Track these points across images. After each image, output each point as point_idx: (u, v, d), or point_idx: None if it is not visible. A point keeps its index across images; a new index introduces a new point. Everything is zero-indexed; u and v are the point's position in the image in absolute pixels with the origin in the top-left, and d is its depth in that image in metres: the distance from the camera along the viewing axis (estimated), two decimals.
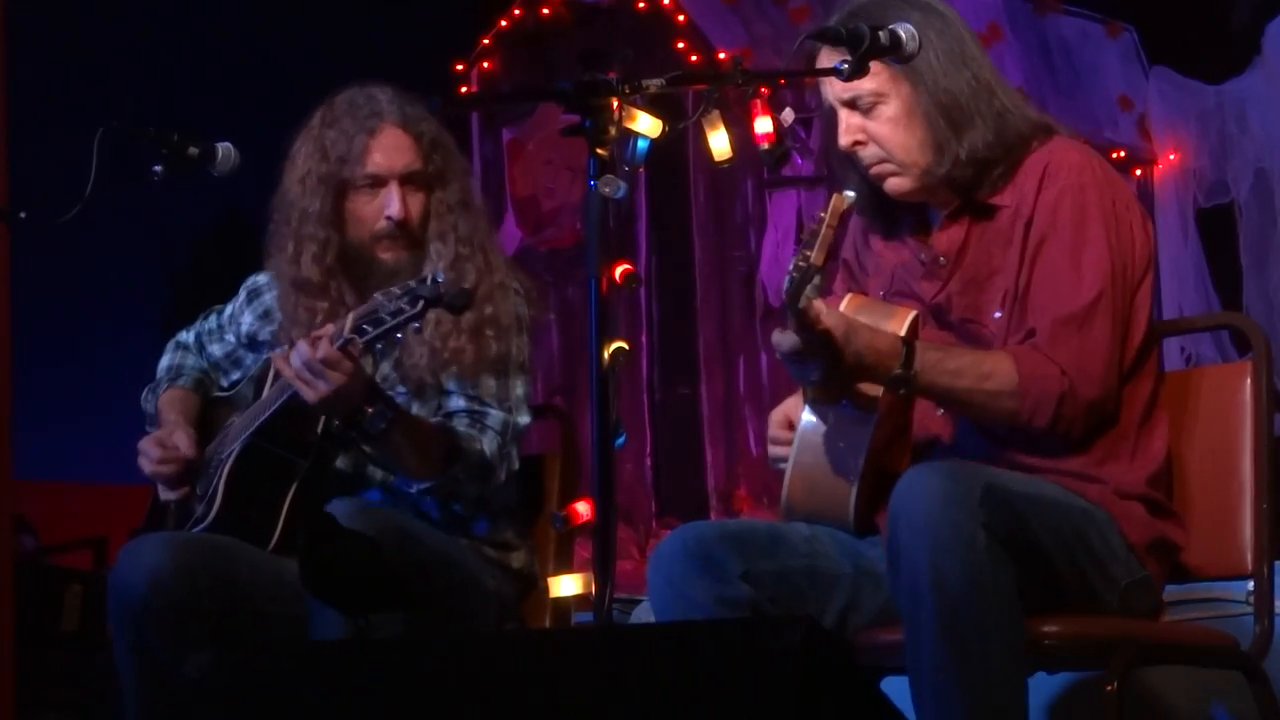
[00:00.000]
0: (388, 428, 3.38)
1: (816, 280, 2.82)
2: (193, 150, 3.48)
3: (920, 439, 3.18)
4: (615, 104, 2.73)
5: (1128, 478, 3.07)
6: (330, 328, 3.36)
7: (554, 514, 3.68)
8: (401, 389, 3.58)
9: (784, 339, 2.92)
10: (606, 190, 2.68)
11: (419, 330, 3.30)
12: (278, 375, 3.54)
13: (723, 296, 7.69)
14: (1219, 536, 3.17)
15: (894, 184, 3.16)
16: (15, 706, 4.89)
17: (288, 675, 2.64)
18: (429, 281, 3.25)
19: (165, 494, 3.67)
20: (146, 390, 3.84)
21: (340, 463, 3.60)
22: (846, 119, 3.15)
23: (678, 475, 7.76)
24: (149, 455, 3.65)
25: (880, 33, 2.85)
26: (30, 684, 5.42)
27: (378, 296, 3.29)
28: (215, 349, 3.85)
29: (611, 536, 2.68)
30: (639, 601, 4.51)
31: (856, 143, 3.15)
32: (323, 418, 3.50)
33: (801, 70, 3.14)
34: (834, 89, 3.16)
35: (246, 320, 3.80)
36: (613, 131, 2.73)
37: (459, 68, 8.19)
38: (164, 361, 3.87)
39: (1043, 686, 3.48)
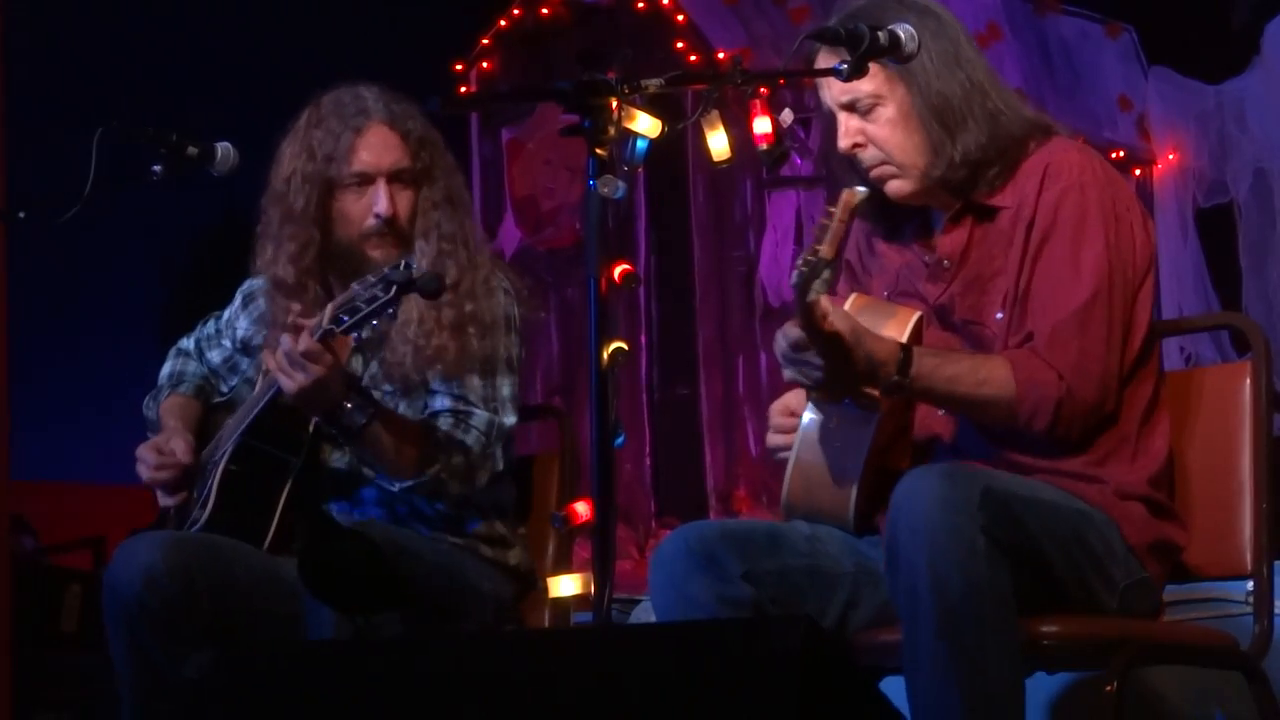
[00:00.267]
0: (367, 423, 3.39)
1: (826, 274, 2.82)
2: (192, 150, 3.48)
3: (921, 438, 3.19)
4: (614, 104, 2.73)
5: (1129, 478, 3.07)
6: (311, 320, 3.37)
7: (553, 514, 3.68)
8: (388, 387, 3.58)
9: (786, 334, 2.92)
10: (605, 190, 2.68)
11: (394, 316, 3.31)
12: (265, 372, 3.55)
13: (722, 296, 7.69)
14: (1218, 536, 3.17)
15: (895, 186, 3.17)
16: (14, 706, 4.89)
17: (286, 675, 2.64)
18: (401, 267, 3.26)
19: (164, 500, 3.68)
20: (148, 397, 3.85)
21: (335, 461, 3.59)
22: (845, 122, 3.16)
23: (677, 475, 7.75)
24: (146, 462, 3.65)
25: (879, 33, 2.85)
26: (29, 684, 5.42)
27: (354, 286, 3.30)
28: (214, 355, 3.85)
29: (611, 536, 2.68)
30: (638, 601, 4.51)
31: (856, 145, 3.15)
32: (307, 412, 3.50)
33: (801, 71, 3.15)
34: (832, 92, 3.17)
35: (242, 325, 3.80)
36: (612, 131, 2.73)
37: (458, 68, 8.19)
38: (165, 368, 3.87)
39: (1042, 686, 3.48)
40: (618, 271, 2.70)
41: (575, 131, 2.75)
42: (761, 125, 3.70)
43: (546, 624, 3.67)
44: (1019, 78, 7.66)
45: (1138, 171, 8.09)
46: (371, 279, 3.27)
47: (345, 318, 3.28)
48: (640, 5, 7.72)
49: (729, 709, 2.23)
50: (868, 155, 3.16)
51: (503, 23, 8.18)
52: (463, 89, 8.11)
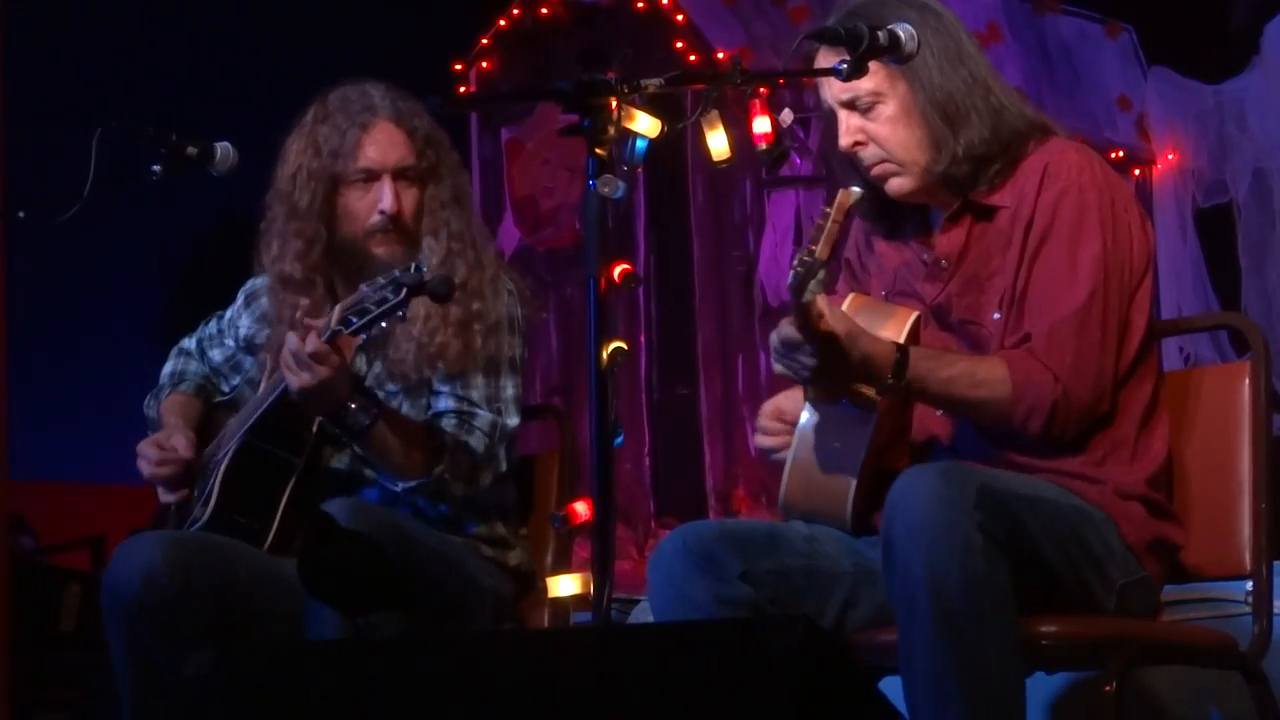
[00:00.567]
0: (371, 424, 3.39)
1: (821, 274, 2.82)
2: (191, 150, 3.48)
3: (919, 439, 3.19)
4: (614, 104, 2.73)
5: (1128, 478, 3.07)
6: (319, 320, 3.36)
7: (553, 514, 3.68)
8: (392, 386, 3.58)
9: (786, 331, 2.92)
10: (605, 190, 2.68)
11: (403, 319, 3.30)
12: (270, 371, 3.54)
13: (721, 296, 7.69)
14: (1217, 536, 3.17)
15: (895, 184, 3.17)
16: (13, 706, 4.89)
17: (286, 675, 2.64)
18: (412, 269, 3.25)
19: (165, 497, 3.67)
20: (149, 396, 3.85)
21: (337, 462, 3.59)
22: (846, 120, 3.16)
23: (676, 475, 7.75)
24: (147, 458, 3.65)
25: (879, 33, 2.85)
26: (28, 684, 5.42)
27: (363, 288, 3.29)
28: (216, 354, 3.85)
29: (610, 536, 2.68)
30: (638, 601, 4.51)
31: (857, 143, 3.15)
32: (318, 417, 3.50)
33: (800, 71, 3.15)
34: (832, 90, 3.17)
35: (244, 324, 3.80)
36: (611, 131, 2.73)
37: (458, 67, 8.19)
38: (167, 368, 3.87)
39: (1042, 686, 3.48)
40: (617, 271, 2.70)
41: (575, 131, 2.75)
42: (761, 125, 3.69)
43: (546, 624, 3.67)
44: (1019, 78, 7.66)
45: (1137, 171, 8.09)
46: (381, 280, 3.27)
47: (354, 319, 3.27)
48: (639, 5, 7.72)
49: (728, 709, 2.23)
50: (868, 153, 3.16)
51: (502, 23, 8.18)
52: (462, 89, 8.11)
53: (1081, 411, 3.02)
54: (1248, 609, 3.16)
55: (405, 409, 3.55)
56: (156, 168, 3.48)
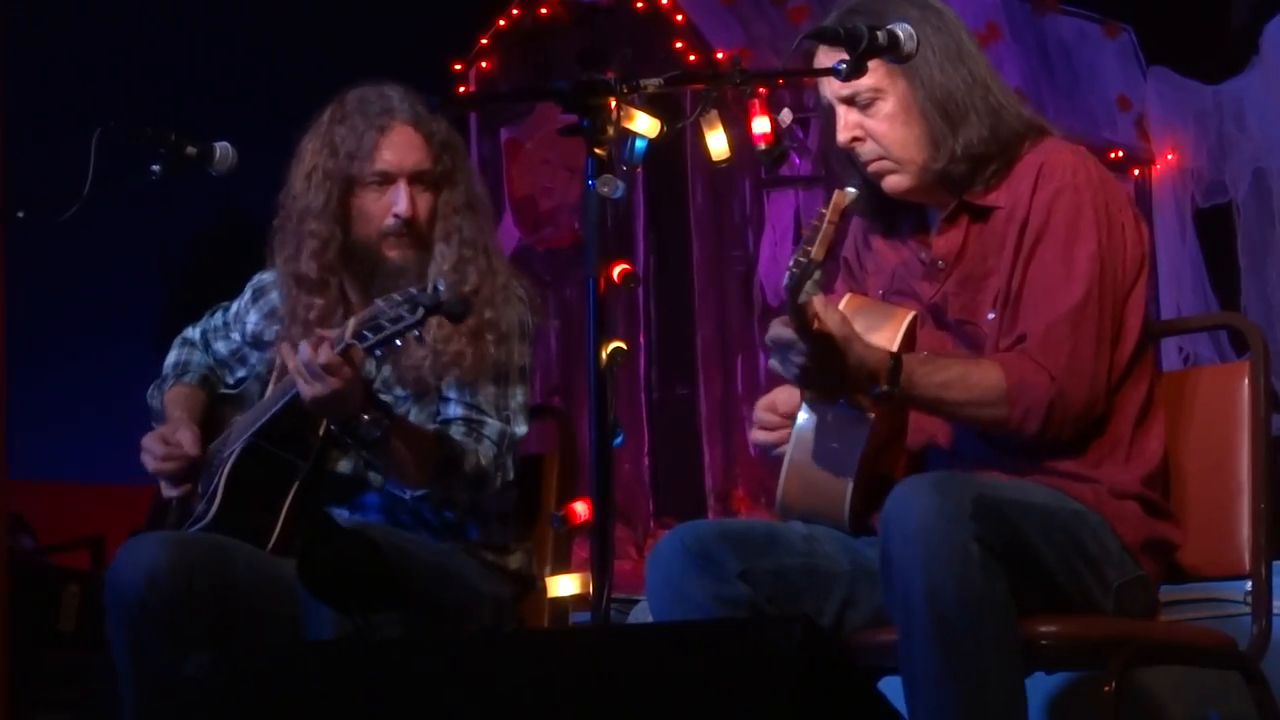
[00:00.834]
0: (383, 435, 3.38)
1: (817, 275, 2.82)
2: (190, 150, 3.48)
3: (917, 440, 3.19)
4: (613, 104, 2.73)
5: (1123, 478, 3.07)
6: (333, 332, 3.35)
7: (552, 514, 3.68)
8: (401, 392, 3.58)
9: (779, 331, 2.92)
10: (604, 190, 2.68)
11: (420, 338, 3.30)
12: (281, 375, 3.54)
13: (721, 296, 7.69)
14: (1217, 536, 3.17)
15: (892, 181, 3.17)
16: (13, 706, 4.89)
17: (286, 675, 2.64)
18: (430, 289, 3.24)
19: (168, 491, 3.67)
20: (152, 386, 3.84)
21: (341, 466, 3.59)
22: (844, 115, 3.16)
23: (676, 475, 7.75)
24: (152, 452, 3.65)
25: (878, 32, 2.85)
26: (28, 684, 5.42)
27: (379, 303, 3.28)
28: (220, 346, 3.84)
29: (609, 536, 2.68)
30: (637, 601, 4.51)
31: (855, 139, 3.15)
32: (325, 420, 3.49)
33: (800, 70, 3.15)
34: (832, 86, 3.17)
35: (252, 319, 3.80)
36: (611, 131, 2.72)
37: (457, 67, 8.19)
38: (170, 357, 3.87)
39: (1041, 686, 3.48)
40: (617, 271, 2.70)
41: (574, 131, 2.75)
42: (760, 125, 3.69)
43: (545, 624, 3.67)
44: (1018, 78, 7.66)
45: (1136, 171, 8.09)
46: (397, 298, 3.25)
47: (368, 334, 3.26)
48: (639, 5, 7.72)
49: (727, 709, 2.23)
50: (866, 149, 3.16)
51: (502, 23, 8.18)
52: (462, 89, 8.11)
53: (1077, 412, 3.02)
54: (1247, 609, 3.16)
55: (413, 414, 3.55)
56: (156, 168, 3.48)
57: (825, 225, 2.85)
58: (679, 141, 7.19)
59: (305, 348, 3.33)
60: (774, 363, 2.99)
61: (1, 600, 4.83)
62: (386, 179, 3.57)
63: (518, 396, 3.59)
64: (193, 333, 3.89)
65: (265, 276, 3.80)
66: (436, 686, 2.47)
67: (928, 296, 3.18)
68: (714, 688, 2.25)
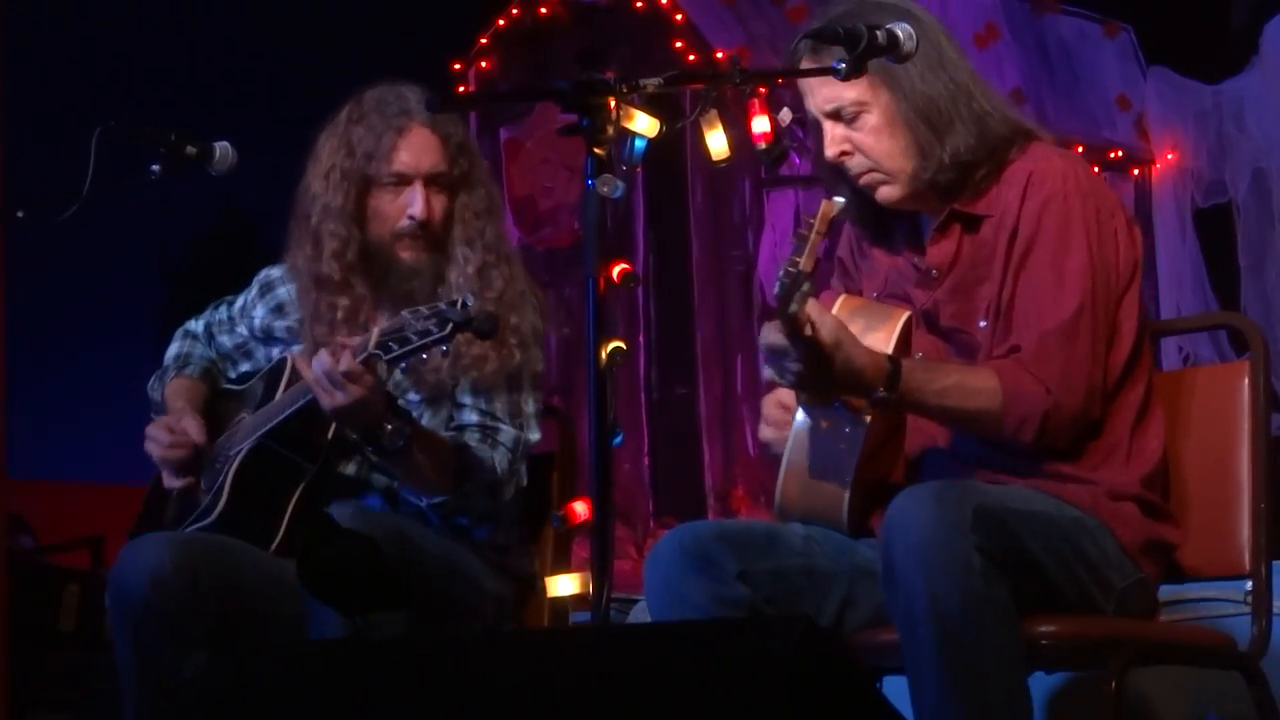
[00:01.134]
0: (405, 444, 3.37)
1: (806, 287, 2.82)
2: (190, 149, 3.47)
3: (915, 442, 3.18)
4: (613, 103, 2.73)
5: (1121, 479, 3.07)
6: (355, 340, 3.34)
7: (552, 514, 3.68)
8: (415, 396, 3.57)
9: (773, 337, 2.92)
10: (604, 190, 2.68)
11: (446, 354, 3.29)
12: (294, 378, 3.53)
13: (720, 296, 7.69)
14: (1217, 536, 3.17)
15: (884, 193, 3.16)
16: (12, 706, 4.89)
17: (287, 675, 2.64)
18: (459, 305, 3.22)
19: (170, 480, 3.66)
20: (153, 378, 3.84)
21: (345, 468, 3.59)
22: (831, 131, 3.15)
23: (675, 475, 7.75)
24: (157, 440, 3.64)
25: (878, 32, 2.85)
26: (28, 684, 5.42)
27: (405, 314, 3.26)
28: (225, 340, 3.84)
29: (609, 536, 2.68)
30: (636, 601, 4.51)
31: (843, 153, 3.15)
32: (334, 424, 3.48)
33: (799, 70, 3.14)
34: (816, 101, 3.16)
35: (259, 314, 3.79)
36: (610, 131, 2.72)
37: (457, 67, 8.19)
38: (172, 349, 3.86)
39: (1041, 686, 3.48)
40: (616, 271, 2.69)
41: (574, 131, 2.75)
42: (760, 124, 3.69)
43: (545, 624, 3.67)
44: (1018, 78, 7.67)
45: (1136, 171, 8.10)
46: (425, 311, 3.23)
47: (393, 346, 3.24)
48: (639, 5, 7.73)
49: (726, 709, 2.23)
50: (855, 163, 3.15)
51: (501, 22, 8.18)
52: (461, 88, 8.11)
53: (1072, 420, 3.02)
54: (1247, 609, 3.16)
55: (426, 419, 3.53)
56: (156, 167, 3.47)
57: (813, 235, 2.85)
58: (679, 141, 7.19)
59: (325, 357, 3.31)
60: (768, 371, 2.99)
61: (1, 600, 4.83)
62: (402, 180, 3.57)
63: (530, 403, 3.58)
64: (195, 325, 3.88)
65: (273, 271, 3.79)
66: (437, 686, 2.47)
67: (920, 303, 3.17)
68: (713, 688, 2.25)
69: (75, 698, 5.92)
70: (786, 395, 3.17)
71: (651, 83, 2.78)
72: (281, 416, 3.49)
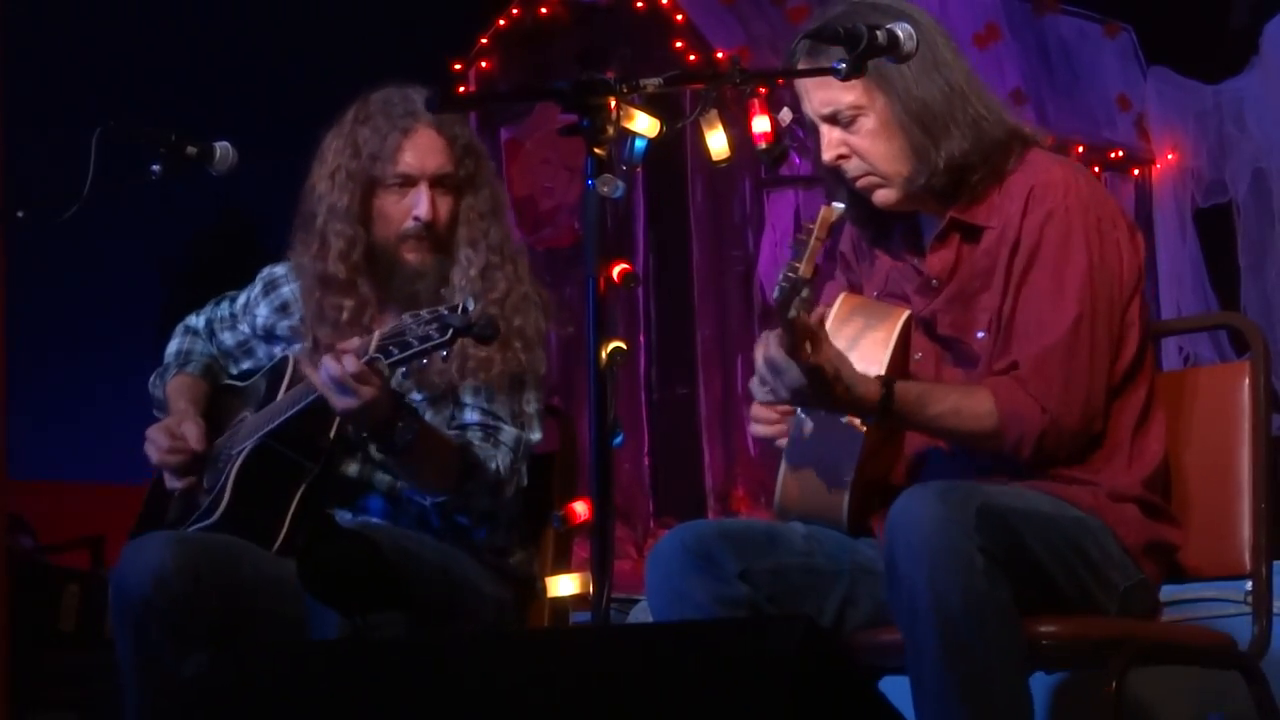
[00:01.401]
0: (413, 441, 3.37)
1: (805, 292, 2.82)
2: (190, 149, 3.47)
3: (916, 442, 3.18)
4: (613, 103, 2.73)
5: (1123, 480, 3.07)
6: (355, 342, 3.33)
7: (552, 514, 3.68)
8: (417, 395, 3.57)
9: (772, 353, 2.91)
10: (604, 190, 2.68)
11: (446, 359, 3.29)
12: (296, 377, 3.53)
13: (721, 296, 7.69)
14: (1217, 536, 3.17)
15: (881, 196, 3.16)
16: (12, 706, 4.89)
17: (287, 675, 2.64)
18: (460, 310, 3.22)
19: (171, 483, 3.66)
20: (155, 374, 3.84)
21: (346, 468, 3.59)
22: (828, 135, 3.15)
23: (675, 475, 7.75)
24: (157, 444, 3.64)
25: (877, 32, 2.84)
26: (28, 684, 5.42)
27: (405, 319, 3.26)
28: (226, 337, 3.84)
29: (609, 536, 2.68)
30: (637, 601, 4.51)
31: (840, 157, 3.14)
32: (336, 423, 3.49)
33: (799, 70, 3.14)
34: (813, 105, 3.16)
35: (262, 312, 3.79)
36: (610, 131, 2.72)
37: (457, 67, 8.19)
38: (172, 345, 3.86)
39: (1041, 686, 3.48)
40: (616, 271, 2.69)
41: (574, 131, 2.75)
42: (760, 124, 3.70)
43: (545, 624, 3.67)
44: (1018, 78, 7.67)
45: (1136, 171, 8.10)
46: (425, 315, 3.23)
47: (394, 350, 3.24)
48: (639, 5, 7.73)
49: (727, 709, 2.23)
50: (852, 166, 3.15)
51: (501, 22, 8.18)
52: (461, 88, 8.11)
53: (1071, 437, 3.02)
54: (1247, 609, 3.16)
55: (428, 418, 3.53)
56: (156, 167, 3.48)
57: (813, 241, 2.85)
58: (679, 141, 7.19)
59: (330, 362, 3.31)
60: (761, 391, 2.98)
61: (1, 600, 4.83)
62: (408, 181, 3.57)
63: (532, 403, 3.58)
64: (196, 321, 3.88)
65: (276, 270, 3.79)
66: (436, 686, 2.47)
67: (919, 310, 3.17)
68: (714, 688, 2.25)
69: (75, 698, 5.92)
70: None
71: (651, 83, 2.78)
72: (284, 416, 3.49)
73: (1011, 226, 3.09)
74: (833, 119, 3.14)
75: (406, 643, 2.92)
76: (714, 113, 3.13)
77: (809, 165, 7.42)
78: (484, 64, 8.22)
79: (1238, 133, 7.89)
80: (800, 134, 7.19)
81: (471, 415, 3.55)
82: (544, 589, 3.71)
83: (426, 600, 3.34)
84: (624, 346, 2.69)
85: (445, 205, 3.58)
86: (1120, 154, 7.98)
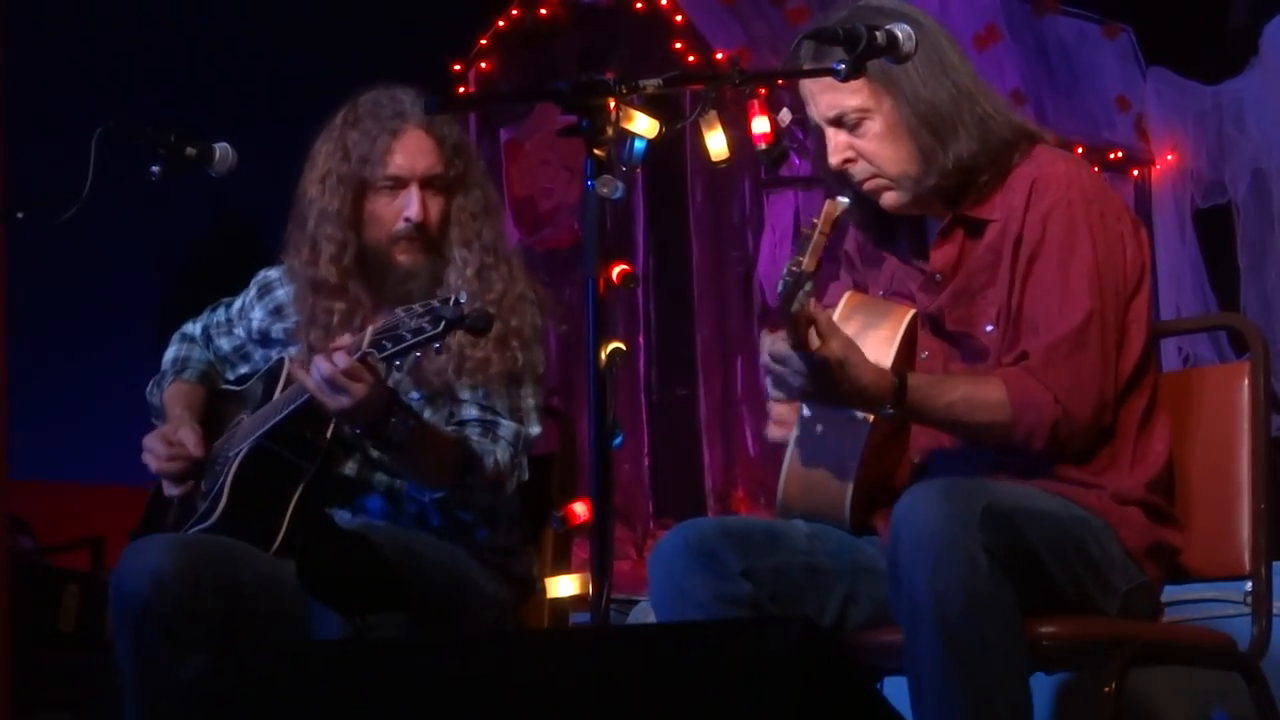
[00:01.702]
0: (409, 436, 3.37)
1: (808, 286, 2.82)
2: (190, 150, 3.47)
3: (920, 442, 3.18)
4: (612, 104, 2.73)
5: (1127, 483, 3.07)
6: (348, 339, 3.34)
7: (552, 514, 3.68)
8: (415, 394, 3.57)
9: (778, 347, 2.91)
10: (604, 191, 2.68)
11: (439, 352, 3.29)
12: (291, 378, 3.53)
13: (720, 297, 7.69)
14: (1217, 537, 3.17)
15: (888, 199, 3.16)
16: (13, 706, 4.89)
17: (287, 675, 2.64)
18: (452, 302, 3.22)
19: (170, 489, 3.66)
20: (152, 383, 3.84)
21: (344, 468, 3.59)
22: (834, 138, 3.14)
23: (675, 476, 7.75)
24: (154, 452, 3.64)
25: (877, 33, 2.84)
26: (28, 684, 5.42)
27: (398, 312, 3.26)
28: (223, 343, 3.84)
29: (609, 537, 2.68)
30: (636, 602, 4.51)
31: (846, 160, 3.14)
32: (332, 423, 3.49)
33: (798, 71, 3.14)
34: (819, 108, 3.15)
35: (257, 316, 3.79)
36: (610, 132, 2.72)
37: (457, 68, 8.19)
38: (170, 353, 3.86)
39: (1041, 686, 3.48)
40: (616, 272, 2.69)
41: (573, 132, 2.75)
42: (760, 125, 3.70)
43: (545, 625, 3.67)
44: (1017, 78, 7.67)
45: (1136, 172, 8.10)
46: (418, 309, 3.23)
47: (387, 344, 3.24)
48: (639, 5, 7.73)
49: (727, 710, 2.23)
50: (858, 169, 3.14)
51: (501, 23, 8.18)
52: (461, 89, 8.11)
53: (1083, 429, 3.01)
54: (1247, 609, 3.16)
55: (426, 416, 3.53)
56: (156, 168, 3.47)
57: (817, 235, 2.85)
58: (679, 142, 7.19)
59: (322, 362, 3.31)
60: (772, 385, 2.99)
61: (1, 600, 4.83)
62: (398, 183, 3.57)
63: (530, 399, 3.59)
64: (193, 328, 3.88)
65: (270, 273, 3.79)
66: (437, 687, 2.47)
67: (924, 306, 3.17)
68: (714, 689, 2.25)
69: (75, 698, 5.92)
70: None
71: (651, 83, 2.78)
72: (279, 417, 3.49)
73: (1014, 219, 3.09)
74: (839, 122, 3.13)
75: (407, 643, 2.92)
76: (713, 114, 3.13)
77: (808, 166, 7.43)
78: (484, 65, 8.22)
79: (1237, 133, 7.89)
80: (800, 135, 7.20)
81: (469, 411, 3.55)
82: (544, 589, 3.71)
83: (427, 601, 3.34)
84: (623, 347, 2.69)
85: (436, 206, 3.58)
86: (1120, 155, 7.98)
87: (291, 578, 3.29)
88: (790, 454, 3.10)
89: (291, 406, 3.46)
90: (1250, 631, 3.10)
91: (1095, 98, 8.07)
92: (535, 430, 3.59)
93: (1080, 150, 7.65)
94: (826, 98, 3.12)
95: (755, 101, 3.60)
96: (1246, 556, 3.14)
